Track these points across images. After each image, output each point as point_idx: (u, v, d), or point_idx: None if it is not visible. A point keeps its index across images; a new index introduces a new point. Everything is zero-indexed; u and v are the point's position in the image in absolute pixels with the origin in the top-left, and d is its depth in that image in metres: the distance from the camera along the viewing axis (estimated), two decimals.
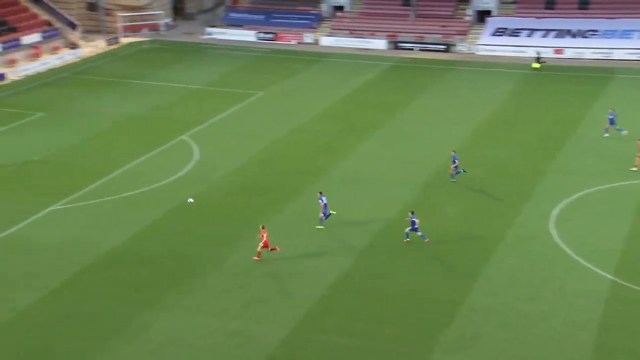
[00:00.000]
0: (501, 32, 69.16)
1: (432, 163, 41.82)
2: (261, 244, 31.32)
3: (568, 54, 65.49)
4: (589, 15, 69.39)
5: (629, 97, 54.00)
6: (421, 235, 32.81)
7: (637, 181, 39.30)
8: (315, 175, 40.46)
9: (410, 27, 71.46)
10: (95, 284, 29.68)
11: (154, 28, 74.59)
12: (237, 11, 76.87)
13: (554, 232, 33.95)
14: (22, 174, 40.06)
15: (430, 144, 45.08)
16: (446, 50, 68.19)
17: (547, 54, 64.51)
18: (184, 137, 46.16)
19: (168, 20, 76.85)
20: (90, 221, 34.86)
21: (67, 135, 46.33)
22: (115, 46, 69.41)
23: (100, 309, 27.97)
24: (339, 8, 75.54)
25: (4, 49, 61.16)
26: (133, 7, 73.95)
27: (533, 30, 68.35)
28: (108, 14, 73.89)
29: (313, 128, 48.48)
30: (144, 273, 30.57)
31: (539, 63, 61.96)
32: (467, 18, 72.03)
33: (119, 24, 72.66)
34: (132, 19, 73.73)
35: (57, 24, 67.81)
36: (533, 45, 66.03)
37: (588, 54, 65.07)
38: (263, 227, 31.58)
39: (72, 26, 69.01)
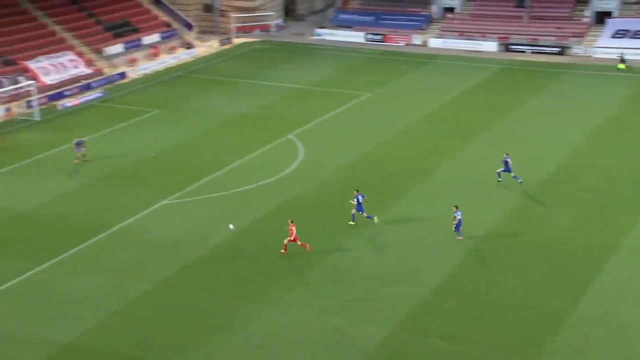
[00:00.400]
0: (622, 34, 66.02)
1: (541, 168, 40.47)
2: (289, 238, 31.44)
3: None
4: None
5: None
6: (457, 231, 32.62)
7: None
8: (421, 177, 40.02)
9: (523, 28, 69.49)
10: (202, 277, 30.50)
11: (265, 29, 76.05)
12: (347, 12, 77.16)
13: None
14: (138, 169, 41.77)
15: (539, 147, 43.66)
16: (560, 53, 65.83)
17: None
18: (290, 136, 46.74)
19: (279, 21, 78.14)
20: (199, 216, 35.88)
21: (180, 132, 47.90)
22: (227, 46, 71.25)
23: (206, 302, 28.69)
24: (450, 9, 74.44)
25: (126, 48, 64.00)
26: (246, 8, 75.69)
27: None
28: (222, 15, 75.97)
29: (420, 129, 47.98)
30: (248, 268, 31.15)
31: (624, 64, 59.03)
32: (585, 19, 69.24)
33: (232, 25, 74.54)
34: (244, 19, 75.48)
35: (175, 25, 70.34)
36: None
37: None
38: (292, 221, 31.74)
39: (189, 27, 71.41)
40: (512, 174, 38.42)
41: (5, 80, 52.96)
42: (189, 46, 68.69)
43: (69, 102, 52.93)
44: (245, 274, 30.72)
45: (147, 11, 70.05)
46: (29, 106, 51.04)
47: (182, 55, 66.61)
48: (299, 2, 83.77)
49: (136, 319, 27.68)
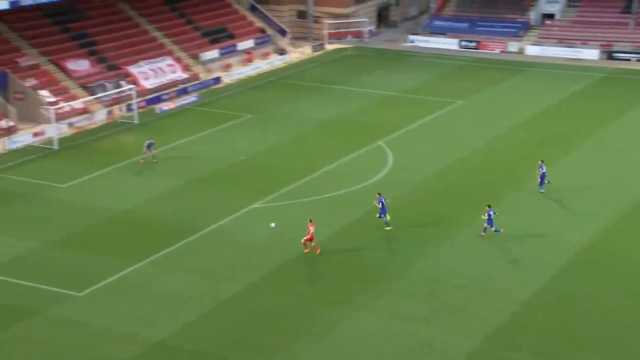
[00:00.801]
0: None
1: None
2: (306, 237, 31.85)
3: None
4: None
5: None
6: (496, 230, 32.71)
7: None
8: (514, 186, 39.08)
9: (629, 35, 66.75)
10: (291, 281, 30.75)
11: (357, 35, 76.19)
12: (441, 19, 76.31)
13: None
14: (230, 172, 42.61)
15: None
16: None
17: None
18: (380, 142, 46.60)
19: (372, 27, 78.11)
20: (288, 220, 36.21)
21: (271, 137, 48.53)
22: (320, 52, 71.77)
23: (294, 305, 28.90)
24: (549, 16, 72.39)
25: (222, 54, 65.46)
26: (339, 14, 76.08)
27: None
28: (315, 22, 76.63)
29: (514, 137, 46.90)
30: (335, 273, 31.19)
31: None
32: None
33: (325, 31, 75.07)
34: (337, 26, 75.86)
35: (270, 31, 71.45)
36: None
37: None
38: (310, 221, 32.19)
39: (283, 33, 72.38)
40: (542, 181, 37.69)
41: (108, 85, 55.19)
42: (282, 52, 69.61)
43: (166, 106, 54.60)
44: (333, 279, 30.78)
45: (243, 17, 71.46)
46: (129, 109, 52.95)
47: (275, 61, 67.54)
48: (392, 9, 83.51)
49: (226, 320, 28.15)
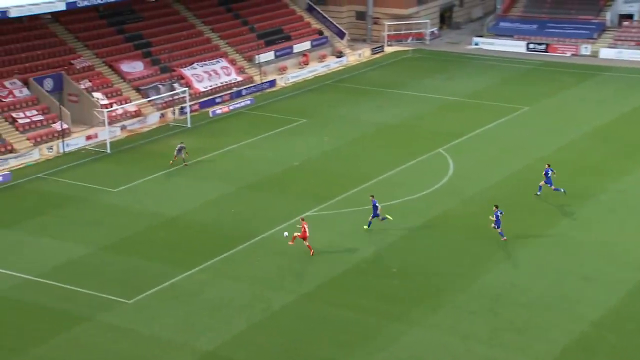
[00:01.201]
0: None
1: None
2: (299, 234, 32.74)
3: None
4: None
5: None
6: (500, 233, 33.24)
7: None
8: (581, 198, 38.34)
9: None
10: (345, 292, 30.79)
11: (419, 37, 75.92)
12: (508, 20, 75.42)
13: None
14: (283, 178, 42.94)
15: None
16: None
17: None
18: (440, 149, 46.30)
19: (434, 29, 77.74)
20: (344, 229, 36.28)
21: (326, 141, 48.71)
22: (379, 55, 71.75)
23: (348, 317, 28.92)
24: (627, 17, 70.67)
25: (277, 56, 66.06)
26: (400, 15, 75.93)
27: None
28: (375, 23, 76.66)
29: (583, 147, 46.04)
30: (393, 285, 31.12)
31: None
32: None
33: (385, 33, 75.02)
34: (397, 27, 75.74)
35: (327, 33, 71.76)
36: None
37: None
38: (303, 219, 33.17)
39: (341, 35, 72.58)
40: (553, 187, 38.05)
41: (162, 87, 56.30)
42: (339, 54, 69.84)
43: (219, 109, 55.40)
44: (389, 291, 30.71)
45: (300, 18, 71.97)
46: (182, 112, 53.91)
47: (332, 64, 67.82)
48: (456, 10, 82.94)
49: (277, 330, 28.36)
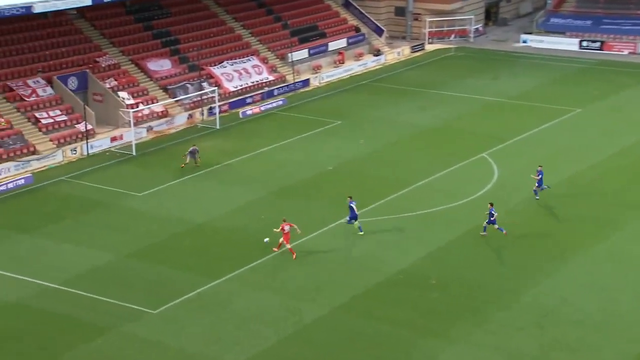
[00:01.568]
0: None
1: None
2: (282, 235, 33.58)
3: None
4: None
5: None
6: (499, 228, 34.39)
7: None
8: (636, 209, 37.84)
9: None
10: (381, 304, 30.80)
11: (462, 34, 75.65)
12: (559, 16, 74.75)
13: None
14: (316, 183, 43.09)
15: None
16: None
17: None
18: (484, 154, 46.08)
19: (478, 25, 77.39)
20: (381, 237, 36.30)
21: (361, 144, 48.84)
22: (419, 53, 71.64)
23: (384, 331, 28.92)
24: None
25: (311, 54, 66.31)
26: (442, 11, 75.71)
27: None
28: (415, 19, 76.56)
29: (639, 153, 45.43)
30: (431, 298, 31.05)
31: None
32: None
33: (426, 30, 74.88)
34: (439, 24, 75.56)
35: (364, 30, 71.84)
36: None
37: None
38: (284, 220, 34.03)
39: (379, 32, 72.62)
40: (540, 187, 38.78)
41: (190, 86, 56.88)
42: (377, 53, 69.89)
43: (249, 110, 55.81)
44: (428, 305, 30.65)
45: (336, 14, 72.18)
46: (211, 113, 54.43)
47: (370, 62, 67.88)
48: (503, 5, 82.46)
49: (309, 345, 28.47)
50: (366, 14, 73.27)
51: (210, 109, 54.78)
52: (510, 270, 32.92)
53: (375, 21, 73.27)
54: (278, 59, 64.41)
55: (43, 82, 51.81)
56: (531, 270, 32.79)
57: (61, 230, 37.58)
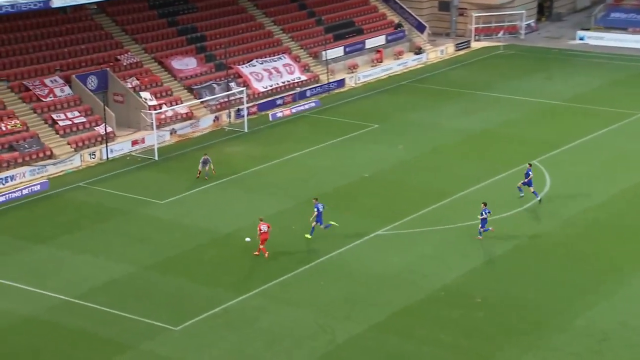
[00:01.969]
0: None
1: None
2: (258, 235, 34.80)
3: None
4: None
5: None
6: (485, 230, 36.08)
7: None
8: None
9: None
10: (421, 323, 30.71)
11: (512, 31, 75.30)
12: (621, 10, 73.99)
13: None
14: (350, 192, 43.11)
15: None
16: None
17: None
18: (535, 161, 45.81)
19: (530, 21, 76.98)
20: (420, 251, 36.24)
21: (400, 150, 48.81)
22: (464, 51, 71.44)
23: (424, 353, 28.81)
24: None
25: (347, 52, 66.43)
26: (490, 5, 75.42)
27: None
28: (461, 14, 76.39)
29: None
30: (476, 318, 30.89)
31: None
32: None
33: (472, 26, 74.66)
34: (486, 19, 75.29)
35: (405, 26, 71.79)
36: None
37: None
38: (261, 220, 35.11)
39: (421, 28, 72.53)
40: (532, 189, 40.05)
41: (217, 86, 57.32)
42: (418, 51, 69.85)
43: (280, 112, 56.09)
44: (473, 325, 30.51)
45: (374, 9, 72.31)
46: (239, 116, 54.80)
47: (410, 61, 67.85)
48: None
49: None
50: (407, 9, 73.26)
51: (238, 110, 55.17)
52: (564, 289, 32.64)
53: (416, 16, 73.25)
54: (311, 58, 64.68)
55: (61, 81, 52.57)
56: (586, 290, 32.49)
57: (78, 240, 38.07)
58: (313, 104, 57.92)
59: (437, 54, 70.24)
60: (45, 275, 34.92)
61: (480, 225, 36.51)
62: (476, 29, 74.65)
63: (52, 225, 39.87)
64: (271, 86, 59.68)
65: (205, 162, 44.79)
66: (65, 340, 30.24)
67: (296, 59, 62.96)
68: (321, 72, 63.16)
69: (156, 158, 48.49)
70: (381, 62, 67.70)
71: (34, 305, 32.41)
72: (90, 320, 31.41)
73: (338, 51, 65.83)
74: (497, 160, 46.48)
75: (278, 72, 60.82)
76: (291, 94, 59.18)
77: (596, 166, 45.17)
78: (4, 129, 47.69)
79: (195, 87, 56.92)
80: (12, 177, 45.16)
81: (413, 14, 73.16)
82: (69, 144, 49.32)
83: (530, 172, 40.58)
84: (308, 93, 60.01)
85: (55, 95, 51.67)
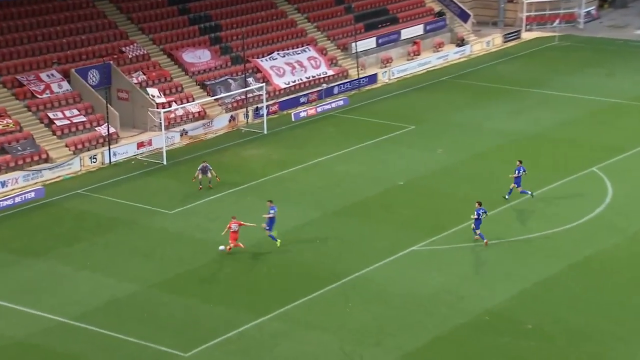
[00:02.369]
0: None
1: None
2: (234, 243, 36.35)
3: None
4: None
5: None
6: (479, 235, 36.76)
7: None
8: None
9: None
10: (463, 352, 30.59)
11: (569, 19, 74.99)
12: None
13: None
14: (382, 202, 43.07)
15: None
16: None
17: None
18: (594, 168, 45.56)
19: (590, 8, 76.59)
20: (461, 269, 36.12)
21: (439, 154, 48.70)
22: (513, 43, 71.28)
23: None
24: None
25: (380, 44, 66.36)
26: None
27: None
28: (509, 1, 76.19)
29: None
30: (527, 348, 30.71)
31: None
32: None
33: (522, 14, 74.44)
34: (540, 7, 75.05)
35: (447, 14, 71.67)
36: None
37: None
38: (234, 218, 36.71)
39: (464, 17, 72.38)
40: (520, 188, 41.05)
41: (233, 82, 57.49)
42: (461, 42, 69.76)
43: (303, 111, 56.21)
44: (523, 355, 30.36)
45: None
46: (257, 115, 54.96)
47: (451, 55, 67.78)
48: None
49: None
50: None
51: (257, 109, 55.36)
52: (627, 314, 32.40)
53: (459, 3, 73.13)
54: (339, 50, 64.78)
55: (58, 75, 52.92)
56: None
57: (76, 254, 38.32)
58: (341, 103, 58.00)
59: (482, 45, 70.12)
60: (39, 293, 35.17)
61: (474, 227, 37.14)
62: (527, 17, 74.44)
63: (47, 238, 40.17)
64: (294, 82, 59.84)
65: (204, 170, 44.28)
66: None
67: (322, 52, 63.08)
68: (350, 66, 63.25)
69: (164, 162, 48.75)
70: (418, 55, 67.70)
71: (25, 327, 32.64)
72: (88, 344, 31.58)
73: (370, 42, 65.90)
74: (551, 166, 46.29)
75: (302, 66, 60.97)
76: (316, 91, 59.33)
77: None
78: None
79: (208, 82, 57.18)
80: (4, 183, 45.57)
81: (455, 0, 73.00)
82: (67, 146, 49.66)
83: (521, 170, 40.94)
84: (335, 90, 60.14)
85: (52, 92, 52.01)
